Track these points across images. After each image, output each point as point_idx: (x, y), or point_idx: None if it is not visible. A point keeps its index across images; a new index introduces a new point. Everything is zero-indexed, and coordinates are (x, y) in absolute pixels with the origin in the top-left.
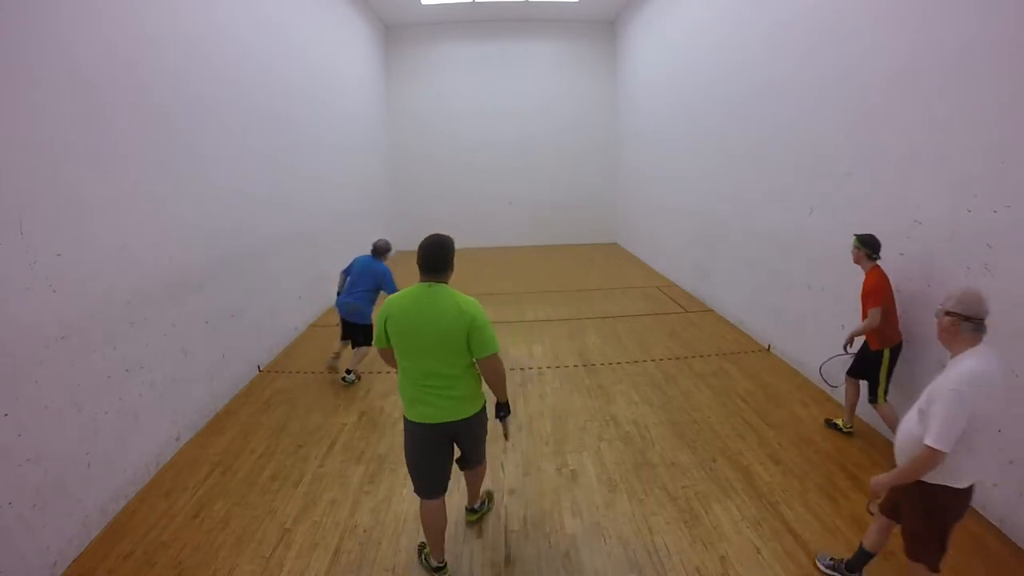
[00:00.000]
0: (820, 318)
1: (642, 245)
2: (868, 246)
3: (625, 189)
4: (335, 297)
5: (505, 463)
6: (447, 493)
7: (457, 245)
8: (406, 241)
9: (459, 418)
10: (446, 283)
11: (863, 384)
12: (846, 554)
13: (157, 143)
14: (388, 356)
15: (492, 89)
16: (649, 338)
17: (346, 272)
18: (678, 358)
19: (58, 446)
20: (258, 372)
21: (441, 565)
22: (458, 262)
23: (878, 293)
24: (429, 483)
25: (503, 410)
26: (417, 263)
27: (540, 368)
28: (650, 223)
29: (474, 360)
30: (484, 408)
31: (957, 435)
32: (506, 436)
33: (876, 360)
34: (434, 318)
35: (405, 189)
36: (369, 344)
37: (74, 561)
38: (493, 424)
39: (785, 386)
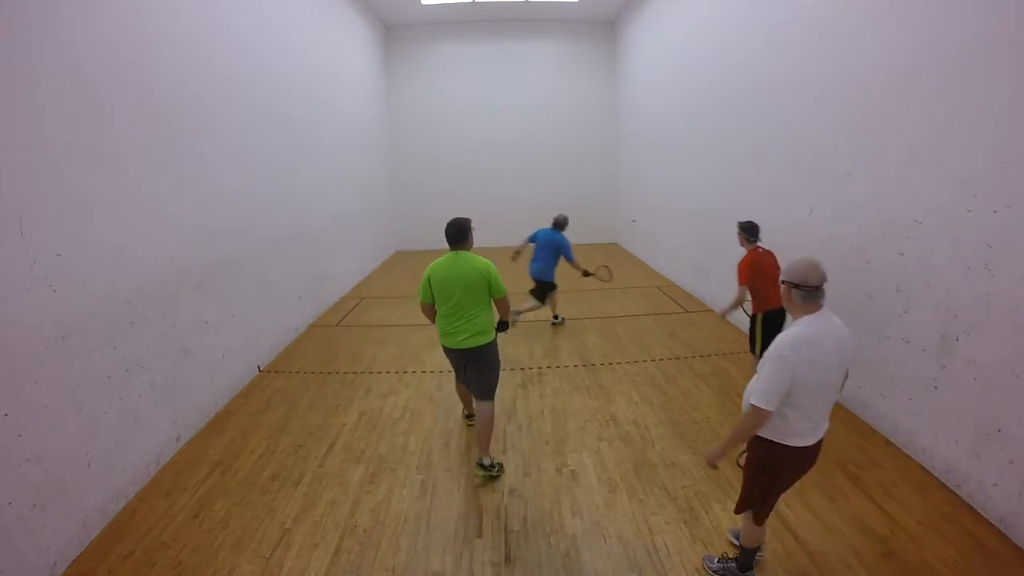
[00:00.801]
0: None
1: (642, 245)
2: (746, 231)
3: (625, 189)
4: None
5: (505, 463)
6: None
7: None
8: (407, 240)
9: (471, 346)
10: (468, 250)
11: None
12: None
13: (157, 143)
14: (427, 309)
15: (492, 89)
16: (649, 338)
17: (531, 239)
18: (678, 358)
19: (58, 446)
20: (258, 372)
21: (470, 415)
22: None
23: (744, 272)
24: (457, 375)
25: (503, 325)
26: (446, 238)
27: (540, 368)
28: (650, 223)
29: (492, 300)
30: (493, 343)
31: (779, 395)
32: (505, 327)
33: (753, 321)
34: (463, 274)
35: (405, 189)
36: (543, 301)
37: (74, 561)
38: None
39: None
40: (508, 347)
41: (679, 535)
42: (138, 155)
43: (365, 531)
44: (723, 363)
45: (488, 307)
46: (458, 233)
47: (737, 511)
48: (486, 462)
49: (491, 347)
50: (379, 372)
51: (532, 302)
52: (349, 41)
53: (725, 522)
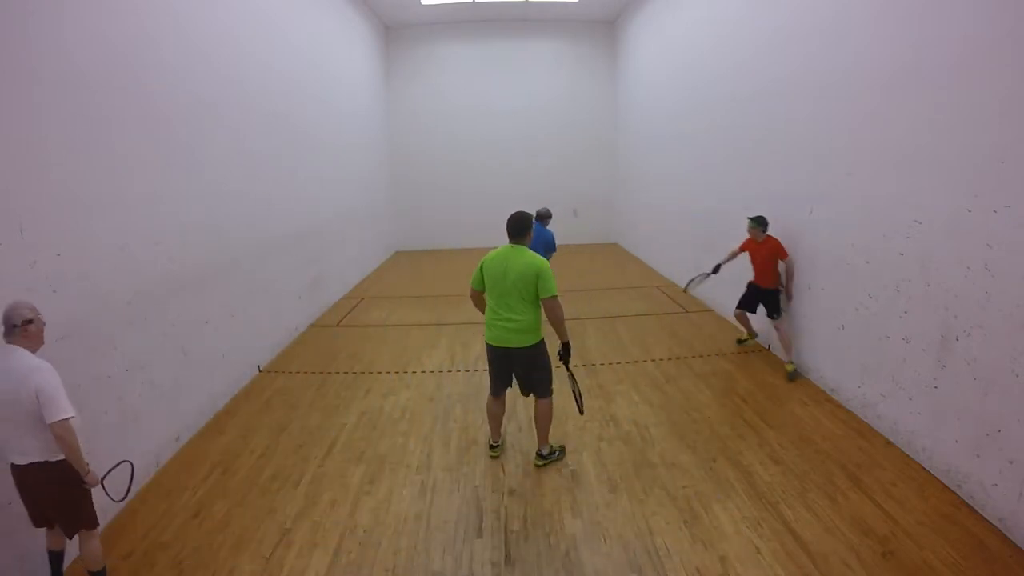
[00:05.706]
0: (820, 318)
1: (642, 245)
2: (762, 225)
3: (625, 189)
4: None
5: (505, 463)
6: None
7: (457, 245)
8: (406, 241)
9: (514, 346)
10: (526, 245)
11: (757, 310)
12: None
13: (157, 143)
14: (477, 297)
15: (492, 89)
16: (649, 338)
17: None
18: (678, 358)
19: None
20: (258, 372)
21: (495, 443)
22: (459, 262)
23: (784, 248)
24: (493, 385)
25: (564, 350)
26: (507, 231)
27: None
28: (650, 223)
29: (540, 300)
30: (540, 344)
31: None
32: (572, 381)
33: (771, 294)
34: (514, 267)
35: (405, 188)
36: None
37: (74, 561)
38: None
39: (785, 386)
40: None
41: (679, 535)
42: (138, 155)
43: (365, 531)
44: (723, 363)
45: (535, 306)
46: (518, 227)
47: (86, 528)
48: (544, 452)
49: (538, 348)
50: (379, 372)
51: None
52: (349, 41)
53: (725, 522)
